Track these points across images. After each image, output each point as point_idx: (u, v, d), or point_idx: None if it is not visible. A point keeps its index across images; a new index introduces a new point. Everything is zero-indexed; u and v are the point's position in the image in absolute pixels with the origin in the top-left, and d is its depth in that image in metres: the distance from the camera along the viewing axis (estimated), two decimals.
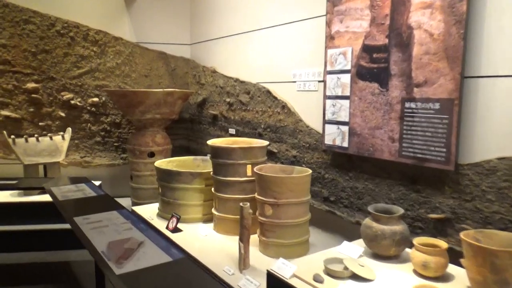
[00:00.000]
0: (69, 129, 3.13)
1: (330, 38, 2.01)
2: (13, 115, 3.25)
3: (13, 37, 3.20)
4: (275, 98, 2.49)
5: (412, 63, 1.62)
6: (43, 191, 2.53)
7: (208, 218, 2.36)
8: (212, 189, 2.24)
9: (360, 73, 1.86)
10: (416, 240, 1.41)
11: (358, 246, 1.57)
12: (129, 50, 3.46)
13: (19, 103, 3.26)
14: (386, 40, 1.72)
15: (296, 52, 2.36)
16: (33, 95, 3.27)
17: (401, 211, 1.55)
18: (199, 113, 3.37)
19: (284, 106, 2.42)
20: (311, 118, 2.26)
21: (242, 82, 2.80)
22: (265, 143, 2.20)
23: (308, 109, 2.28)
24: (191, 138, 3.55)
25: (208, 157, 2.98)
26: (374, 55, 1.78)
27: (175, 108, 3.00)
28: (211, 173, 2.23)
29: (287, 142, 2.41)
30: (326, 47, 2.04)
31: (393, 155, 1.73)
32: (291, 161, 2.38)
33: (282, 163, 2.44)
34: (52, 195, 2.16)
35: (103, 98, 3.43)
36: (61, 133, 3.13)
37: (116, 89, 3.28)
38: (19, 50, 3.22)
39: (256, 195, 1.94)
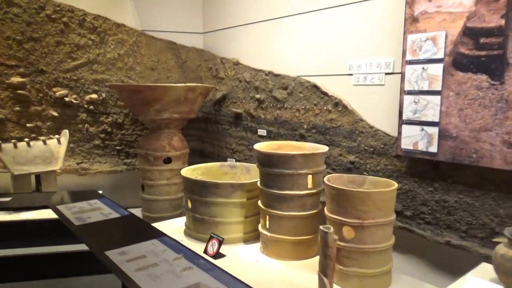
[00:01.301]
0: (66, 132, 2.65)
1: (412, 21, 1.66)
2: None
3: None
4: (325, 94, 2.12)
5: None
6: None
7: (249, 238, 1.99)
8: (259, 203, 1.85)
9: (459, 63, 1.52)
10: None
11: (494, 285, 1.23)
12: (133, 39, 2.99)
13: (1, 100, 2.74)
14: (502, 21, 1.39)
15: (354, 39, 1.99)
16: (19, 91, 2.76)
17: None
18: (217, 112, 2.95)
19: (337, 104, 2.06)
20: (376, 117, 1.90)
21: (277, 75, 2.41)
22: (324, 148, 1.83)
23: (371, 107, 1.92)
24: (206, 140, 3.13)
25: (233, 161, 2.58)
26: (482, 40, 1.44)
27: (195, 106, 2.57)
28: (259, 184, 1.85)
29: (340, 145, 2.06)
30: (406, 32, 1.68)
31: (510, 163, 1.40)
32: (347, 168, 2.03)
33: (334, 170, 2.08)
34: (62, 217, 1.71)
35: (103, 95, 2.95)
36: (56, 136, 2.64)
37: (127, 83, 2.80)
38: (1, 37, 2.70)
39: (328, 213, 1.57)
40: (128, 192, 3.11)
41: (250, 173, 2.39)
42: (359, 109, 1.98)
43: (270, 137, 2.49)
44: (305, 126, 2.25)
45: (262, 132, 2.55)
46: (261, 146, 1.94)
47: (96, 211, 1.80)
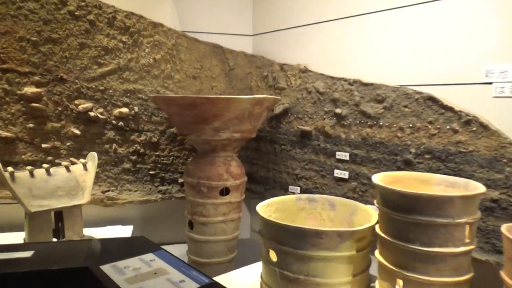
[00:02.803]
0: (94, 155, 2.12)
1: None
2: (3, 133, 2.19)
3: (4, 19, 2.16)
4: (447, 108, 1.62)
5: None
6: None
7: None
8: (382, 259, 1.34)
9: None
10: None
11: None
12: (172, 42, 2.49)
13: (12, 116, 2.21)
14: None
15: (493, 35, 1.50)
16: (33, 105, 2.23)
17: None
18: (273, 129, 2.44)
19: (469, 122, 1.56)
20: None
21: (367, 84, 1.91)
22: (481, 187, 1.32)
23: None
24: (257, 162, 2.60)
25: (298, 190, 2.06)
26: None
27: (258, 123, 2.06)
28: (385, 234, 1.33)
29: (474, 176, 1.55)
30: None
31: None
32: (486, 209, 1.52)
33: None
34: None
35: (135, 108, 2.43)
36: (82, 160, 2.10)
37: (178, 95, 2.25)
38: (13, 38, 2.18)
39: (508, 278, 1.06)
40: (164, 227, 2.58)
41: (335, 209, 1.89)
42: (506, 129, 1.48)
43: (355, 162, 1.98)
44: (412, 150, 1.74)
45: (342, 155, 2.04)
46: (380, 179, 1.43)
47: (160, 277, 1.26)
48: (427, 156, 1.70)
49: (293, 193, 2.32)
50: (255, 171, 2.61)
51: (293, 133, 2.32)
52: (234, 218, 2.08)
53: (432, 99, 1.67)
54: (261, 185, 2.56)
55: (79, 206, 2.02)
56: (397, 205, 1.27)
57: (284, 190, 2.40)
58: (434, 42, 1.69)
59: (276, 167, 2.45)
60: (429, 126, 1.68)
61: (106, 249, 1.51)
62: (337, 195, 2.10)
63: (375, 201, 1.45)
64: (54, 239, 1.98)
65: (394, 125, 1.81)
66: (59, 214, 2.00)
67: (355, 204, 1.82)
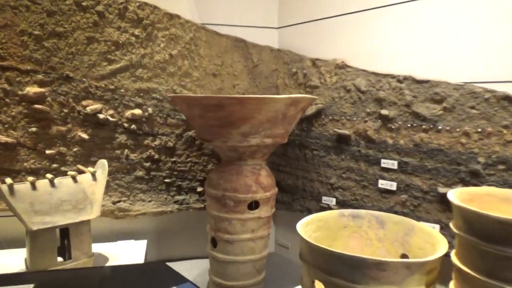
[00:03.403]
0: (104, 162, 1.87)
1: None
2: (3, 138, 1.95)
3: (3, 10, 1.92)
4: None
5: None
6: None
7: None
8: None
9: None
10: None
11: None
12: (189, 35, 2.23)
13: (12, 119, 1.97)
14: None
15: None
16: (36, 106, 1.99)
17: None
18: (303, 132, 2.17)
19: None
20: None
21: (422, 81, 1.64)
22: None
23: None
24: (284, 169, 2.34)
25: (333, 201, 1.80)
26: None
27: (291, 126, 1.80)
28: (477, 272, 1.06)
29: None
30: None
31: None
32: None
33: None
34: None
35: (149, 110, 2.18)
36: (90, 169, 1.86)
37: (201, 95, 1.99)
38: (13, 32, 1.94)
39: None
40: (181, 241, 2.33)
41: (384, 227, 1.62)
42: None
43: (404, 171, 1.71)
44: (481, 160, 1.47)
45: (389, 163, 1.77)
46: (457, 196, 1.16)
47: None
48: (500, 167, 1.42)
49: (328, 204, 2.06)
50: (282, 179, 2.34)
51: (327, 137, 2.05)
52: (263, 235, 1.83)
53: (509, 99, 1.39)
54: (288, 195, 2.29)
55: (87, 222, 1.78)
56: (490, 234, 1.00)
57: (315, 201, 2.14)
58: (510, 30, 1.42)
59: (307, 175, 2.18)
60: (504, 131, 1.41)
61: (120, 282, 1.26)
62: (381, 209, 1.83)
63: (451, 224, 1.18)
64: (60, 258, 1.73)
65: (457, 129, 1.53)
66: (65, 231, 1.75)
67: (410, 222, 1.55)
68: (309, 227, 1.50)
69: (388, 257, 1.61)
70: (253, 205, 1.78)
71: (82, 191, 1.78)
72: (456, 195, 1.19)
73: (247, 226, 1.76)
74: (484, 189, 1.28)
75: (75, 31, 2.02)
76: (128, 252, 2.04)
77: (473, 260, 1.06)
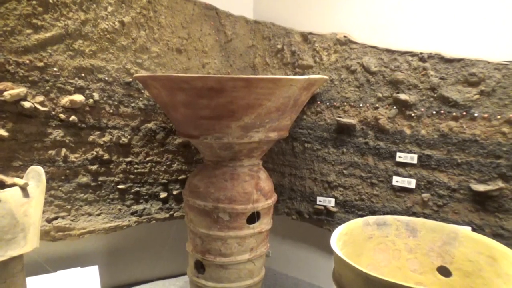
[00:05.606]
0: (39, 170, 1.32)
1: None
2: None
3: None
4: None
5: None
6: None
7: None
8: None
9: None
10: None
11: None
12: None
13: None
14: None
15: None
16: None
17: None
18: (295, 122, 1.82)
19: None
20: None
21: (452, 60, 1.39)
22: None
23: None
24: (266, 166, 1.96)
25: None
26: None
27: (296, 115, 1.44)
28: None
29: None
30: None
31: None
32: None
33: None
34: None
35: (94, 95, 1.64)
36: (18, 180, 1.29)
37: (192, 74, 1.44)
38: None
39: None
40: (143, 262, 1.86)
41: (416, 235, 1.38)
42: None
43: (427, 166, 1.46)
44: None
45: (407, 157, 1.50)
46: None
47: None
48: None
49: (325, 206, 1.75)
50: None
51: (324, 127, 1.72)
52: (262, 252, 1.46)
53: None
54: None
55: (19, 258, 1.24)
56: None
57: (308, 202, 1.82)
58: None
59: (296, 172, 1.84)
60: None
61: None
62: (395, 211, 1.57)
63: None
64: None
65: (497, 116, 1.31)
66: None
67: (451, 228, 1.31)
68: (337, 245, 1.18)
69: (421, 270, 1.35)
70: (254, 217, 1.39)
71: (9, 214, 1.23)
72: None
73: (246, 245, 1.37)
74: None
75: None
76: (75, 285, 1.54)
77: None
